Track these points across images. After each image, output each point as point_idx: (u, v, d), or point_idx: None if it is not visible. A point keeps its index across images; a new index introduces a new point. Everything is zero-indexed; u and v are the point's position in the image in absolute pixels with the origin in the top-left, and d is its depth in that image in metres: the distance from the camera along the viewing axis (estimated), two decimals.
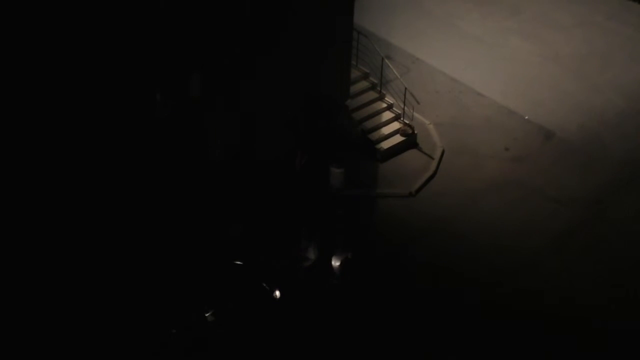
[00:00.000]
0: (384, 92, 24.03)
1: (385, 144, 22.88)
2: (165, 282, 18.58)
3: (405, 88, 23.31)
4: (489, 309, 18.72)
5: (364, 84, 24.08)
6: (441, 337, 18.05)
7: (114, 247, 19.17)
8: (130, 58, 18.94)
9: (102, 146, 19.38)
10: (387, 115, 23.68)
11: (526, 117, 24.33)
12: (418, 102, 23.51)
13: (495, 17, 28.70)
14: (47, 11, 17.34)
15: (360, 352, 17.70)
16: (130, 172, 19.94)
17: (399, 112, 23.66)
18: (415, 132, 23.27)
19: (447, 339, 18.03)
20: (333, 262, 19.62)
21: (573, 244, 20.46)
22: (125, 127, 19.59)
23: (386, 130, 23.27)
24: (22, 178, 18.55)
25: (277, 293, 18.28)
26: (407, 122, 23.44)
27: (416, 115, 23.70)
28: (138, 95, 19.57)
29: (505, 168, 22.71)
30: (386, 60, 23.72)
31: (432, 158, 22.78)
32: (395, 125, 23.42)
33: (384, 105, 23.81)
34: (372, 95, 23.95)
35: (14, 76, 17.73)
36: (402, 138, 23.11)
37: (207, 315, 17.67)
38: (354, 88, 23.74)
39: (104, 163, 19.49)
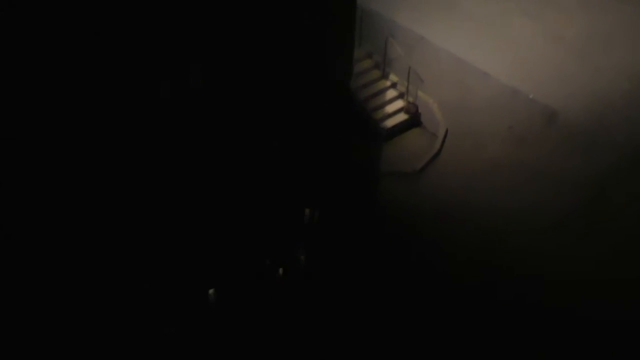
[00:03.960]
0: (387, 70, 23.86)
1: (389, 122, 22.75)
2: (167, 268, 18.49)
3: (409, 67, 23.14)
4: (491, 290, 18.74)
5: (367, 63, 23.89)
6: (442, 320, 18.08)
7: (117, 240, 19.02)
8: (133, 45, 18.67)
9: (104, 136, 19.12)
10: (391, 93, 23.52)
11: (530, 96, 24.19)
12: (422, 81, 23.34)
13: None
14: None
15: (364, 336, 17.71)
16: (133, 166, 19.72)
17: (403, 90, 23.50)
18: (419, 110, 23.13)
19: (448, 321, 18.06)
20: None
21: (576, 226, 20.39)
22: (127, 114, 19.30)
23: (390, 108, 23.13)
24: (24, 166, 18.34)
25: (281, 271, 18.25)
26: (410, 100, 23.29)
27: (420, 94, 23.54)
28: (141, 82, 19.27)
29: (509, 149, 22.59)
30: (390, 39, 23.52)
31: (436, 136, 22.66)
32: (399, 104, 23.27)
33: (388, 83, 23.64)
34: (376, 74, 23.78)
35: (14, 58, 17.48)
36: (406, 116, 22.97)
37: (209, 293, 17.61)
38: (358, 67, 23.56)
39: (105, 156, 19.23)
